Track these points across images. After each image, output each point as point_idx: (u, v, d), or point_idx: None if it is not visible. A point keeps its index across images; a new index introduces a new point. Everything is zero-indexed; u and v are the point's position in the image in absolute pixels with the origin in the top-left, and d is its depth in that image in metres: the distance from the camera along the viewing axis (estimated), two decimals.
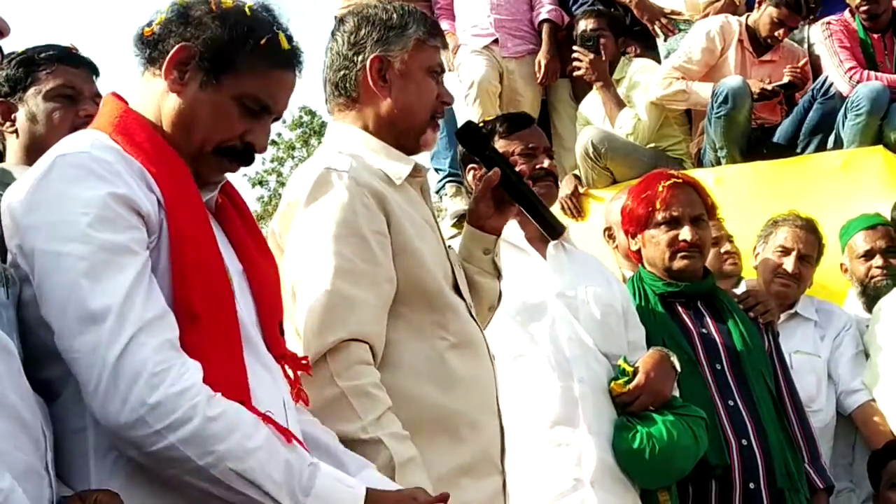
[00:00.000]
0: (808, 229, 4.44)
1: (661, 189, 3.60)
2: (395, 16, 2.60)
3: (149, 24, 2.11)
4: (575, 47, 6.02)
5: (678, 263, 3.60)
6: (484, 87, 6.21)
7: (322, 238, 2.41)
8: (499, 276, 2.78)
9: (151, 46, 2.10)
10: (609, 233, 4.39)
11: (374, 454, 2.26)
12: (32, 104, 2.77)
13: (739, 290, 4.08)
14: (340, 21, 2.66)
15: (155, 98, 2.09)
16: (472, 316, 2.59)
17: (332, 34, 2.66)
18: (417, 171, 2.62)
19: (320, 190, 2.45)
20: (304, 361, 2.24)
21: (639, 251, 3.71)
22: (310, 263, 2.41)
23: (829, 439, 4.25)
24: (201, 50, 2.06)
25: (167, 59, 2.06)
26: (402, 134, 2.60)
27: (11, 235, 1.94)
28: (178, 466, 1.85)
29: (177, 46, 2.06)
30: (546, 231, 2.78)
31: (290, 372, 2.19)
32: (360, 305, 2.37)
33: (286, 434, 1.94)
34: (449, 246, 2.69)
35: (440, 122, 2.68)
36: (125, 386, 1.81)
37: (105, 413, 1.83)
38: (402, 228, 2.47)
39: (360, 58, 2.58)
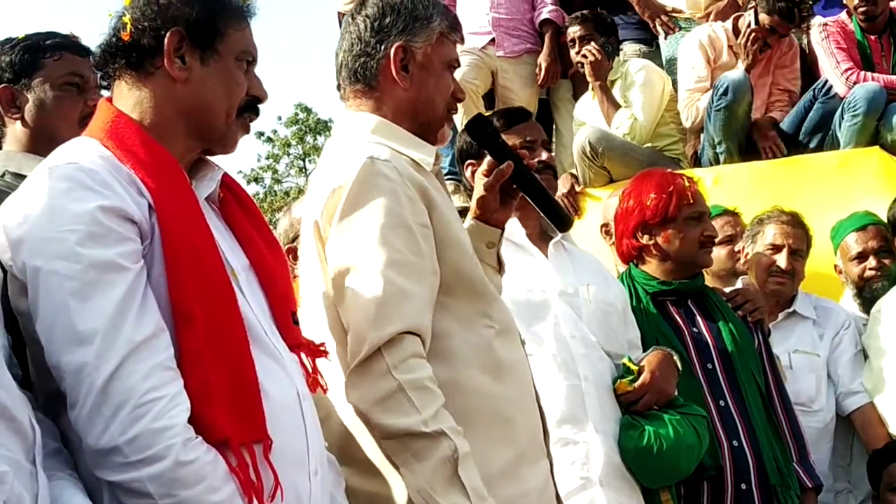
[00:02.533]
0: (795, 224, 4.42)
1: (687, 185, 3.67)
2: (420, 6, 2.56)
3: (120, 31, 2.09)
4: (591, 45, 5.99)
5: (703, 258, 3.69)
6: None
7: (372, 229, 2.35)
8: (501, 270, 2.77)
9: (130, 50, 2.09)
10: (606, 229, 4.41)
11: (435, 447, 2.24)
12: (40, 91, 2.74)
13: (728, 289, 4.09)
14: (361, 4, 2.60)
15: (154, 100, 2.09)
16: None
17: (353, 17, 2.60)
18: (437, 159, 2.60)
19: (366, 181, 2.39)
20: (321, 348, 2.24)
21: (643, 248, 3.70)
22: (360, 254, 2.35)
23: (829, 440, 4.25)
24: (187, 29, 2.08)
25: (165, 50, 2.07)
26: (421, 126, 2.57)
27: (4, 249, 1.93)
28: (139, 500, 1.84)
29: (168, 34, 2.06)
30: (556, 224, 2.75)
31: (306, 362, 2.20)
32: (413, 297, 2.33)
33: (249, 493, 1.91)
34: None
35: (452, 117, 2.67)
36: (109, 413, 1.82)
37: (86, 435, 1.84)
38: (445, 218, 2.46)
39: (384, 46, 2.53)
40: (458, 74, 6.21)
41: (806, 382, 4.20)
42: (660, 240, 3.67)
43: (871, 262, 4.53)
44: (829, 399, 4.28)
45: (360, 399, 2.30)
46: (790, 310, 4.41)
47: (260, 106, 2.22)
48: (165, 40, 2.06)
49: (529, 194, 2.68)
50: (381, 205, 2.36)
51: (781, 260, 4.34)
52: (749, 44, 5.72)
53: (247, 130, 2.20)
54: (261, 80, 2.20)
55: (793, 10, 5.70)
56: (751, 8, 5.81)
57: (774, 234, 4.39)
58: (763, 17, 5.74)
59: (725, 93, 5.65)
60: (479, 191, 2.72)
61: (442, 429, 2.25)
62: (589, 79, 6.02)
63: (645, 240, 3.69)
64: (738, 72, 5.72)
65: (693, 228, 3.65)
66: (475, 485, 2.25)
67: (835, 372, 4.33)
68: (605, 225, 4.44)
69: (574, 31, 6.14)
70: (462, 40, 2.66)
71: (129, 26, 2.08)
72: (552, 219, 2.73)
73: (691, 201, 3.64)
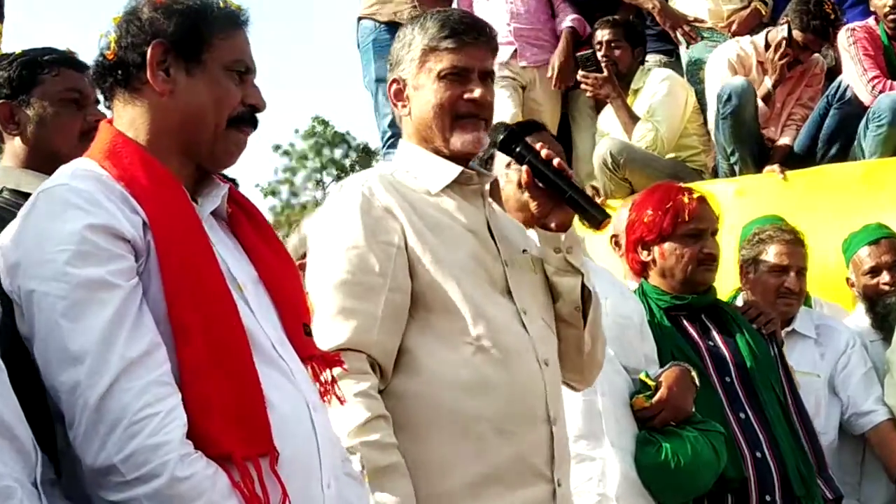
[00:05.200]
0: (797, 242, 4.31)
1: (686, 201, 3.61)
2: (406, 31, 2.67)
3: (105, 50, 2.09)
4: (579, 73, 6.01)
5: (702, 276, 3.62)
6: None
7: (326, 252, 2.54)
8: (580, 272, 2.67)
9: (116, 68, 2.08)
10: (616, 240, 4.34)
11: (353, 461, 2.30)
12: (39, 108, 2.73)
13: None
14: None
15: (145, 116, 2.07)
16: (522, 322, 2.55)
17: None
18: (468, 178, 2.61)
19: (331, 206, 2.59)
20: (336, 358, 2.25)
21: (645, 263, 3.69)
22: (315, 277, 2.54)
23: (831, 458, 4.10)
24: (170, 41, 2.05)
25: (147, 64, 2.04)
26: (431, 143, 2.62)
27: (4, 276, 1.94)
28: None
29: (151, 47, 2.04)
30: (588, 221, 2.63)
31: (319, 373, 2.19)
32: (357, 316, 2.44)
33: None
34: (524, 250, 2.66)
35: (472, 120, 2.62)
36: (104, 431, 1.81)
37: (82, 454, 1.83)
38: (424, 238, 2.51)
39: (391, 78, 2.69)
40: (507, 115, 6.03)
41: (805, 404, 4.07)
42: (657, 256, 3.65)
43: (885, 276, 4.45)
44: (829, 419, 4.20)
45: None
46: (789, 329, 4.31)
47: (259, 116, 2.17)
48: (148, 54, 2.05)
49: (558, 193, 2.58)
50: (336, 228, 2.54)
51: (791, 282, 4.22)
52: (779, 59, 5.71)
53: (243, 144, 2.15)
54: (258, 88, 2.16)
55: (827, 28, 5.71)
56: (783, 23, 5.80)
57: (780, 255, 4.26)
58: (796, 34, 5.72)
59: (729, 99, 5.64)
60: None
61: (355, 444, 2.33)
62: (604, 98, 6.04)
63: (644, 255, 3.69)
64: (739, 79, 5.71)
65: (690, 246, 3.60)
66: (383, 501, 2.33)
67: (844, 392, 4.25)
68: (615, 236, 4.37)
69: (602, 34, 6.14)
70: (463, 43, 2.59)
71: (112, 45, 2.08)
72: (584, 216, 2.60)
73: (686, 219, 3.58)
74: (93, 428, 1.81)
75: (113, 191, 1.96)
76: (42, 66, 2.77)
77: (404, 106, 2.64)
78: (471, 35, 2.61)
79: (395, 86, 2.65)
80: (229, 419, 1.90)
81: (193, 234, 2.01)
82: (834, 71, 6.05)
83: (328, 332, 2.40)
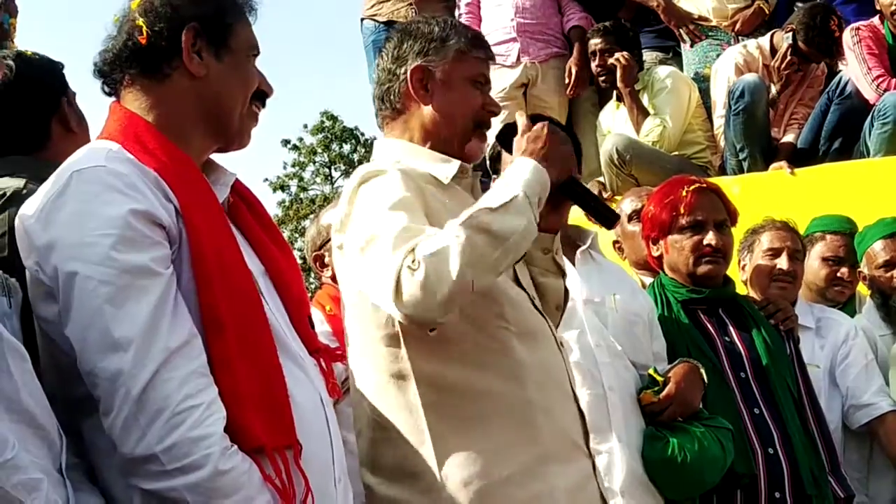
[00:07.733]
0: (789, 228, 4.31)
1: (684, 194, 3.59)
2: (436, 28, 2.66)
3: (135, 35, 2.08)
4: (622, 53, 5.98)
5: (702, 269, 3.59)
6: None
7: (379, 208, 2.37)
8: (563, 274, 2.73)
9: (147, 53, 2.08)
10: (618, 245, 4.35)
11: None
12: (77, 108, 2.64)
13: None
14: (387, 39, 2.75)
15: (171, 100, 2.08)
16: (536, 308, 2.58)
17: (380, 52, 2.72)
18: (463, 172, 2.63)
19: (370, 177, 2.46)
20: (338, 352, 2.27)
21: (660, 257, 3.69)
22: (370, 231, 2.35)
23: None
24: (201, 26, 2.08)
25: (183, 47, 2.06)
26: (445, 142, 2.63)
27: (28, 254, 1.92)
28: None
29: (185, 30, 2.06)
30: (600, 222, 2.68)
31: (324, 365, 2.21)
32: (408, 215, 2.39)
33: (286, 501, 1.91)
34: None
35: (486, 132, 2.68)
36: (146, 421, 1.81)
37: (121, 443, 1.83)
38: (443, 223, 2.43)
39: (403, 69, 2.64)
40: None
41: None
42: (663, 251, 3.66)
43: None
44: (830, 411, 4.09)
45: None
46: None
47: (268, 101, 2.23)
48: (183, 37, 2.06)
49: (567, 196, 2.62)
50: (385, 190, 2.44)
51: (783, 262, 4.19)
52: (784, 68, 5.75)
53: (257, 121, 2.20)
54: (263, 73, 2.21)
55: (831, 46, 5.73)
56: (789, 30, 5.81)
57: (771, 240, 4.26)
58: (801, 44, 5.74)
59: (742, 95, 5.66)
60: None
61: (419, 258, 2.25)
62: (619, 84, 5.99)
63: (654, 250, 3.70)
64: (752, 75, 5.73)
65: (689, 238, 3.58)
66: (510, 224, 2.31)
67: (843, 384, 4.20)
68: (616, 241, 4.38)
69: (595, 43, 6.12)
70: (489, 57, 2.71)
71: (144, 29, 2.07)
72: (596, 217, 2.64)
73: (682, 211, 3.57)
74: (133, 418, 1.81)
75: (147, 175, 1.95)
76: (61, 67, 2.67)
77: (425, 96, 2.62)
78: (490, 53, 2.72)
79: (418, 73, 2.62)
80: (259, 411, 1.91)
81: (221, 224, 2.01)
82: (833, 68, 6.05)
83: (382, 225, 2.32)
